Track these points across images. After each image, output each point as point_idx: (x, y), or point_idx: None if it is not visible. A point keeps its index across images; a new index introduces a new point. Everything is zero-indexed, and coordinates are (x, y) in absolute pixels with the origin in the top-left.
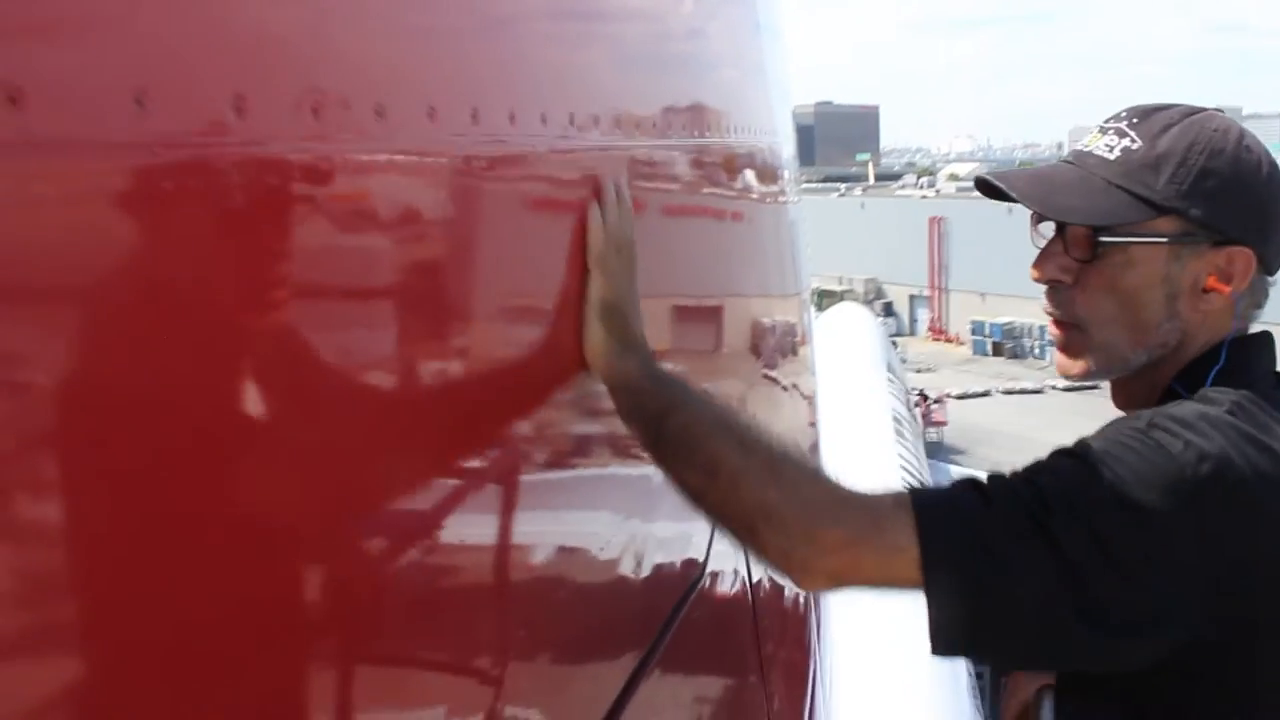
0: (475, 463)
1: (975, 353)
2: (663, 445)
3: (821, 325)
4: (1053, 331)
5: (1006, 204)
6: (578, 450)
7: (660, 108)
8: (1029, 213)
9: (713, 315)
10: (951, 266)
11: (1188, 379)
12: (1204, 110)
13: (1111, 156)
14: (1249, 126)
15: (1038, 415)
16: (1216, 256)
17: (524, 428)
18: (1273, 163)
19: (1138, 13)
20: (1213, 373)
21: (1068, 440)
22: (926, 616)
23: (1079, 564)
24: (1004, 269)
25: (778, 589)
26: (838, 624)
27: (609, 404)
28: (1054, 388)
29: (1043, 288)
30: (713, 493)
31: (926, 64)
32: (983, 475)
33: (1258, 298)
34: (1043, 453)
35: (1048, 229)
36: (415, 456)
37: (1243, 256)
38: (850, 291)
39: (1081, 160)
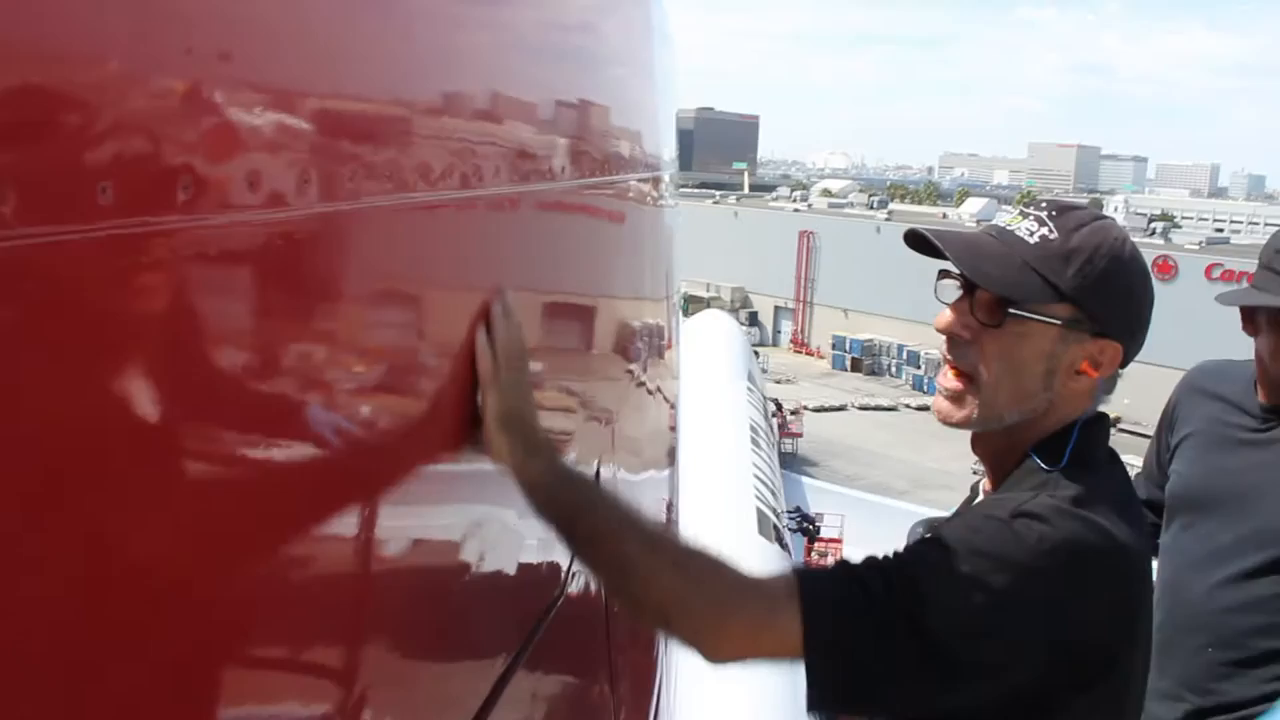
0: (344, 479)
1: (834, 367)
2: (576, 544)
3: (687, 330)
4: (948, 383)
5: (875, 225)
6: (455, 476)
7: (547, 101)
8: (899, 238)
9: (584, 314)
10: (818, 280)
11: (1045, 451)
12: (1107, 217)
13: (1031, 240)
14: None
15: (890, 431)
16: (1093, 346)
17: (400, 439)
18: (1148, 274)
19: (1015, 45)
20: (1068, 450)
21: (914, 456)
22: (807, 683)
23: (942, 638)
24: (868, 287)
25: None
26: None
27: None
28: (907, 406)
29: (904, 310)
30: (627, 588)
31: (810, 78)
32: (859, 559)
33: (1110, 385)
34: (892, 468)
35: (950, 287)
36: (281, 472)
37: (1113, 349)
38: (717, 299)
39: (1003, 237)
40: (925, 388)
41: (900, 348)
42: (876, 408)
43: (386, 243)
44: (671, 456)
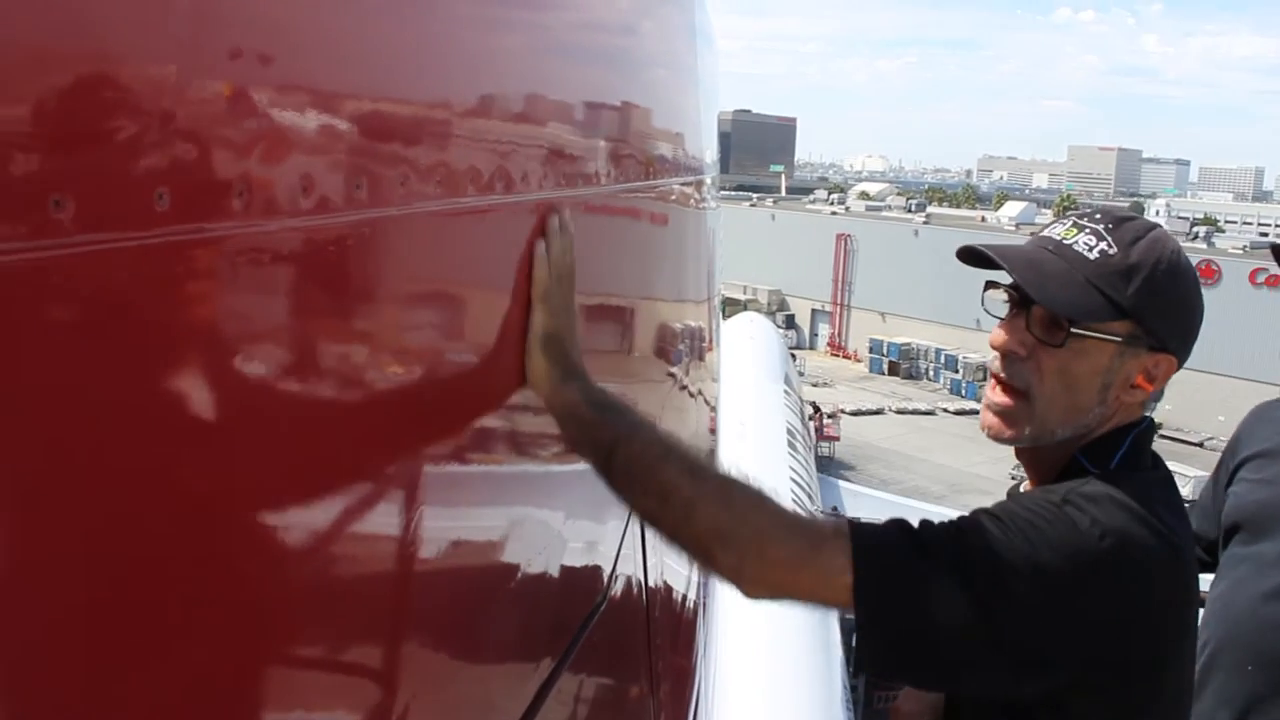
0: (389, 477)
1: (871, 370)
2: (615, 474)
3: (724, 332)
4: (999, 398)
5: (913, 228)
6: (498, 472)
7: (592, 104)
8: (937, 242)
9: (628, 316)
10: (855, 284)
11: (1094, 456)
12: (1159, 225)
13: (1091, 256)
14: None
15: (928, 436)
16: (1148, 360)
17: (445, 444)
18: (1199, 283)
19: (1053, 46)
20: (1117, 456)
21: (951, 460)
22: (856, 636)
23: (993, 609)
24: (906, 291)
25: (670, 607)
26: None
27: (531, 426)
28: (945, 410)
29: (941, 314)
30: (667, 518)
31: (846, 81)
32: (914, 519)
33: (1159, 393)
34: (928, 471)
35: (999, 299)
36: (324, 468)
37: (1167, 363)
38: (754, 301)
39: (1063, 252)
40: (963, 391)
41: (938, 351)
42: (914, 411)
43: (436, 249)
44: (711, 459)
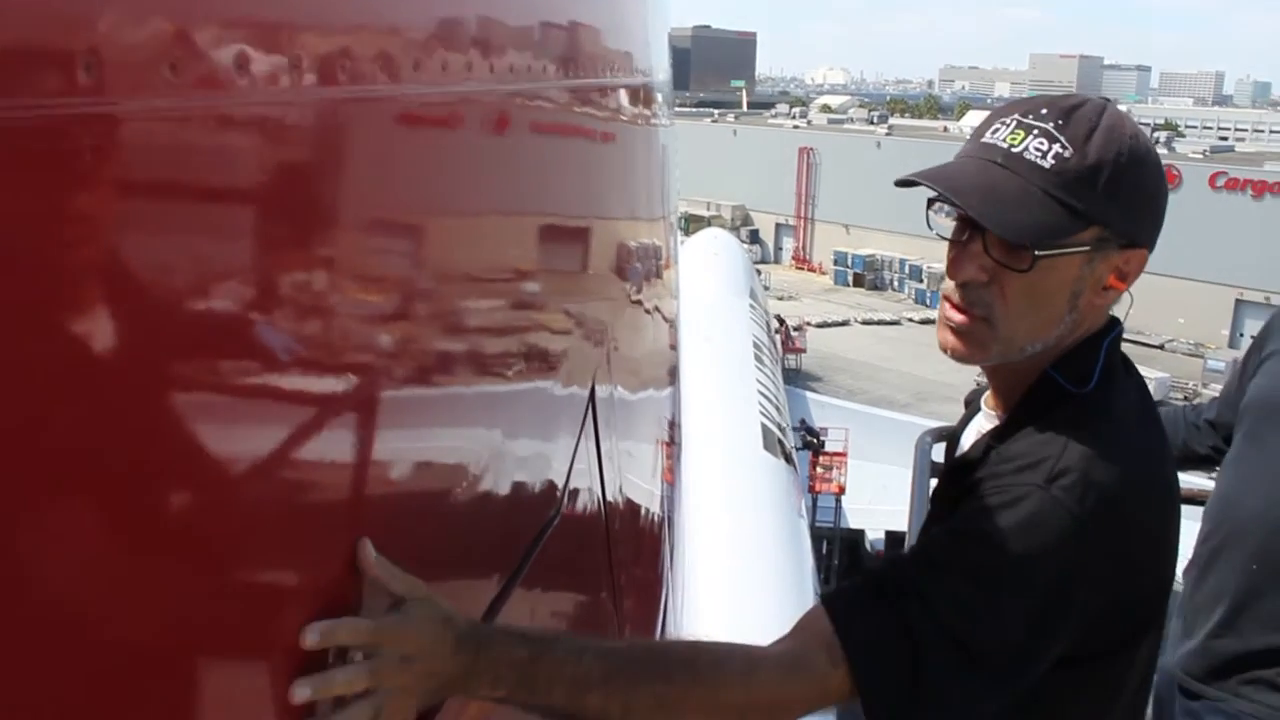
0: (338, 390)
1: (836, 283)
2: None
3: (688, 249)
4: (958, 318)
5: (875, 140)
6: (439, 386)
7: (533, 23)
8: (900, 153)
9: (579, 236)
10: (819, 197)
11: (1070, 372)
12: (1107, 102)
13: (1046, 165)
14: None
15: (893, 345)
16: (1119, 258)
17: (391, 360)
18: (1160, 164)
19: None
20: (1097, 370)
21: (916, 369)
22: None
23: (1001, 652)
24: (869, 202)
25: (631, 511)
26: (692, 548)
27: (470, 342)
28: (910, 320)
29: (905, 225)
30: None
31: None
32: (890, 575)
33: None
34: (895, 381)
35: (946, 218)
36: (276, 384)
37: (1139, 258)
38: (718, 217)
39: (1014, 165)
40: (928, 301)
41: (902, 262)
42: (879, 322)
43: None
44: (673, 375)
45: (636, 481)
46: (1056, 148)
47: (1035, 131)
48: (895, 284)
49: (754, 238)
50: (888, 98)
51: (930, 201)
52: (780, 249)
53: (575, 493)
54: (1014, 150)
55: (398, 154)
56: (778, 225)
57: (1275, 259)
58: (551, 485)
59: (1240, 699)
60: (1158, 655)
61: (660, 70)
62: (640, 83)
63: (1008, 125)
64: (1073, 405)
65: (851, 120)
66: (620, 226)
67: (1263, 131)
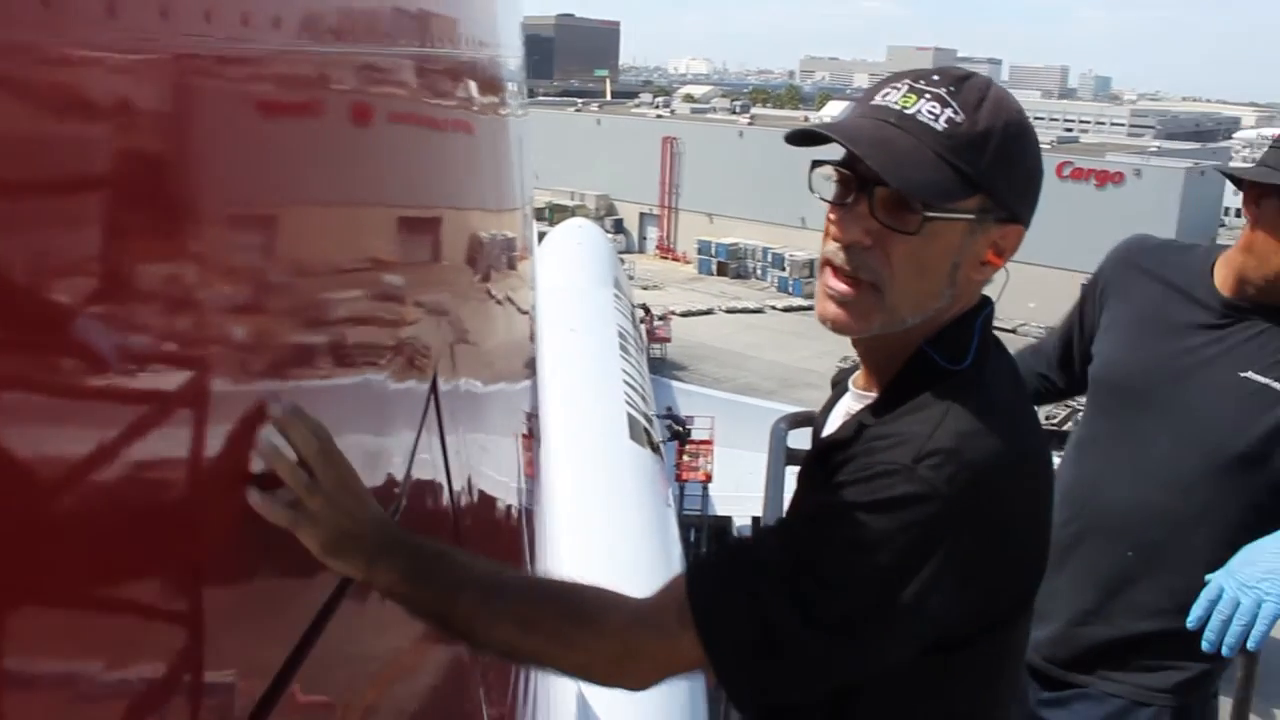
0: (149, 387)
1: (701, 271)
2: (453, 635)
3: (552, 240)
4: (841, 288)
5: (738, 129)
6: (269, 381)
7: (378, 8)
8: (762, 143)
9: (424, 227)
10: (682, 186)
11: (945, 350)
12: (992, 80)
13: (938, 127)
14: (962, 69)
15: (757, 333)
16: (998, 233)
17: (206, 354)
18: (1039, 143)
19: None
20: (972, 347)
21: (781, 356)
22: (730, 700)
23: (860, 620)
24: (732, 191)
25: (485, 506)
26: (558, 535)
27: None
28: (773, 308)
29: (768, 214)
30: (513, 659)
31: None
32: (752, 542)
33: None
34: (759, 368)
35: (830, 180)
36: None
37: (1016, 234)
38: (582, 207)
39: (907, 125)
40: (790, 289)
41: (765, 250)
42: (743, 310)
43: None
44: (531, 367)
45: (491, 475)
46: (949, 112)
47: (928, 96)
48: (759, 272)
49: (618, 227)
50: (750, 88)
51: (815, 164)
52: (645, 238)
53: (417, 488)
54: (907, 112)
55: (183, 122)
56: (642, 215)
57: (1116, 244)
58: (390, 481)
59: (1110, 682)
60: (1028, 635)
61: (510, 57)
62: (485, 69)
63: (899, 89)
64: (948, 383)
65: (714, 110)
66: (464, 217)
67: (1104, 124)
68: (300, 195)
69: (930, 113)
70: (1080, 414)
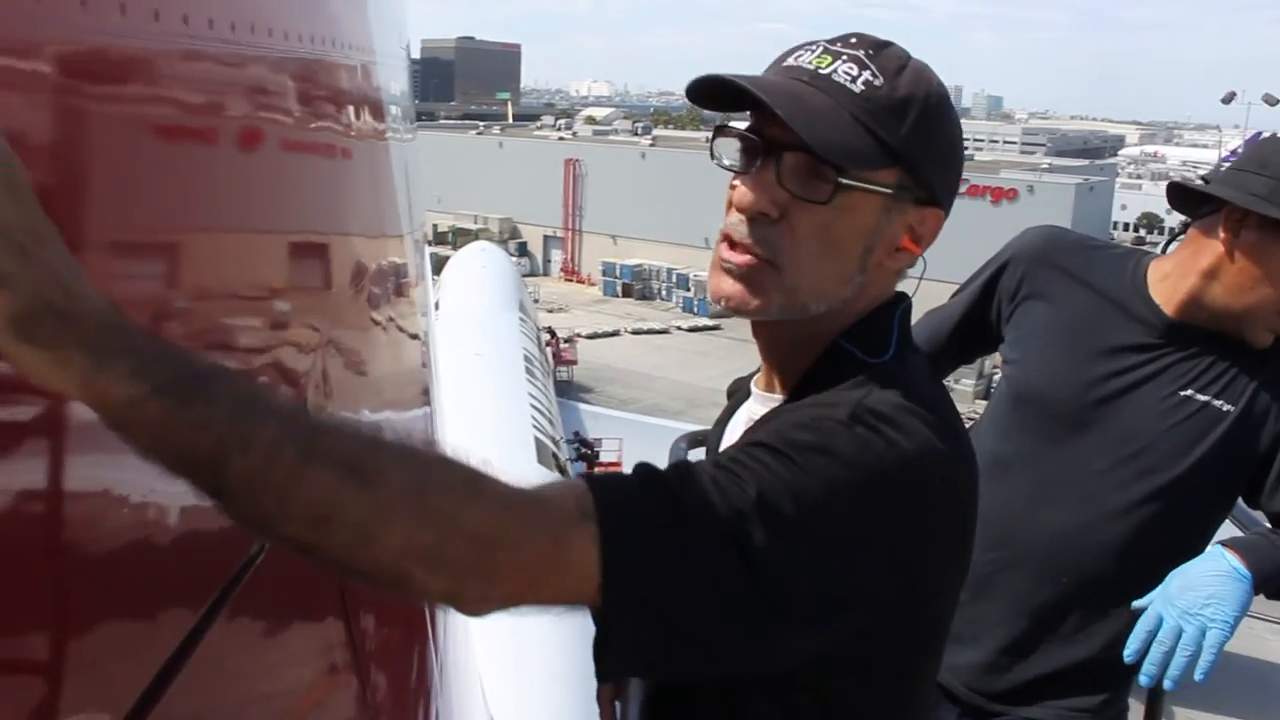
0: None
1: (605, 293)
2: (233, 500)
3: (456, 264)
4: (739, 260)
5: (640, 151)
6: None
7: (238, 25)
8: (664, 164)
9: (287, 253)
10: (586, 208)
11: (864, 343)
12: (908, 52)
13: (855, 89)
14: (881, 37)
15: (664, 354)
16: (915, 216)
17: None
18: (960, 125)
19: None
20: (894, 340)
21: (687, 377)
22: (600, 638)
23: (781, 572)
24: (636, 213)
25: None
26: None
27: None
28: (679, 328)
29: (671, 234)
30: (332, 546)
31: (569, 6)
32: (668, 469)
33: (916, 262)
34: (666, 389)
35: (734, 146)
36: None
37: (935, 218)
38: (485, 230)
39: (822, 85)
40: (695, 309)
41: (670, 271)
42: (649, 331)
43: None
44: (426, 395)
45: None
46: (867, 74)
47: (845, 57)
48: (663, 293)
49: (522, 250)
50: (651, 109)
51: (719, 129)
52: (549, 261)
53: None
54: (822, 72)
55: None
56: (546, 237)
57: (1026, 233)
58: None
59: (1038, 707)
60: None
61: (392, 80)
62: (360, 91)
63: (813, 51)
64: (868, 373)
65: (616, 132)
66: (335, 243)
67: (997, 142)
68: (143, 218)
69: (847, 73)
70: (983, 422)
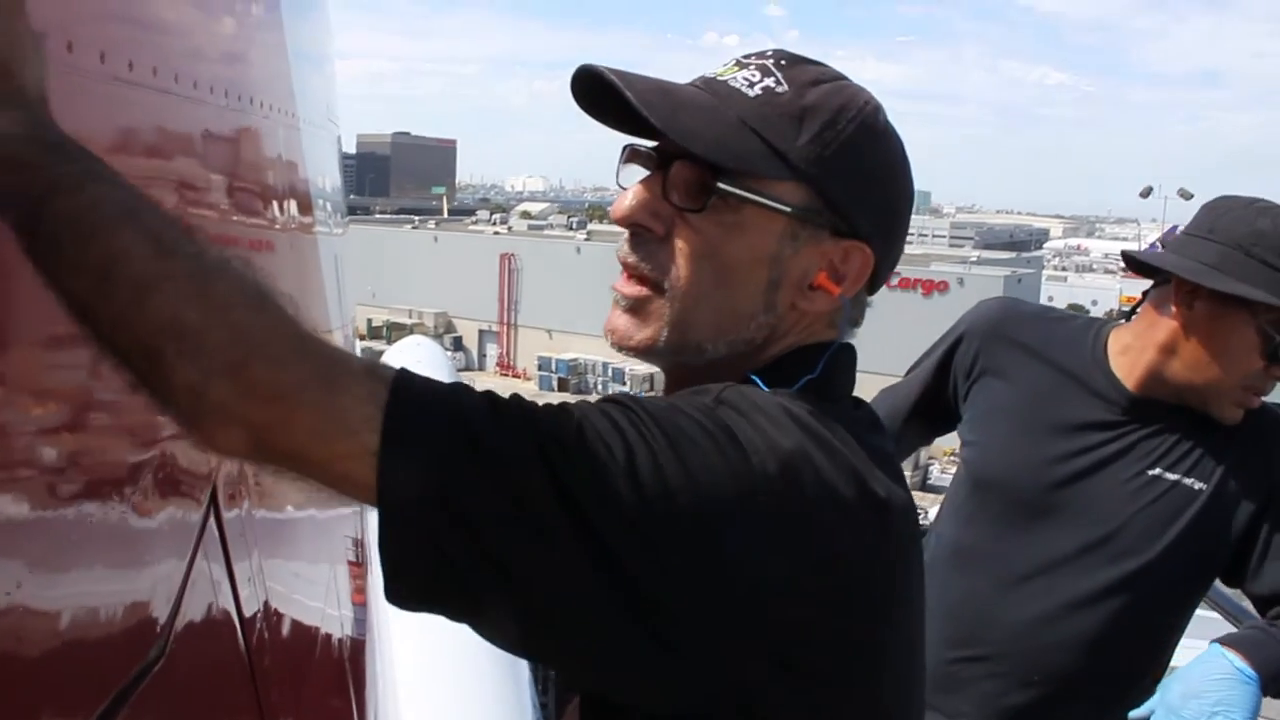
0: None
1: (541, 388)
2: (42, 236)
3: (391, 358)
4: (627, 290)
5: (575, 245)
6: None
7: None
8: (599, 258)
9: None
10: (521, 303)
11: (770, 377)
12: (850, 81)
13: (751, 93)
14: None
15: None
16: (834, 250)
17: None
18: (905, 156)
19: (701, 67)
20: (803, 380)
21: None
22: (379, 533)
23: (605, 525)
24: (571, 306)
25: (297, 639)
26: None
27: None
28: None
29: (601, 323)
30: (105, 302)
31: (505, 103)
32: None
33: (857, 314)
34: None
35: (636, 173)
36: None
37: (861, 255)
38: (420, 325)
39: (714, 89)
40: None
41: (605, 365)
42: None
43: None
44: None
45: (304, 603)
46: (769, 82)
47: (752, 67)
48: (599, 387)
49: (457, 344)
50: (586, 204)
51: (626, 149)
52: (484, 355)
53: (191, 626)
54: (719, 78)
55: None
56: (481, 331)
57: (982, 304)
58: (148, 621)
59: None
60: None
61: (322, 175)
62: (290, 186)
63: (727, 64)
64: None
65: (551, 226)
66: None
67: (926, 235)
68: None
69: (746, 79)
70: (944, 508)
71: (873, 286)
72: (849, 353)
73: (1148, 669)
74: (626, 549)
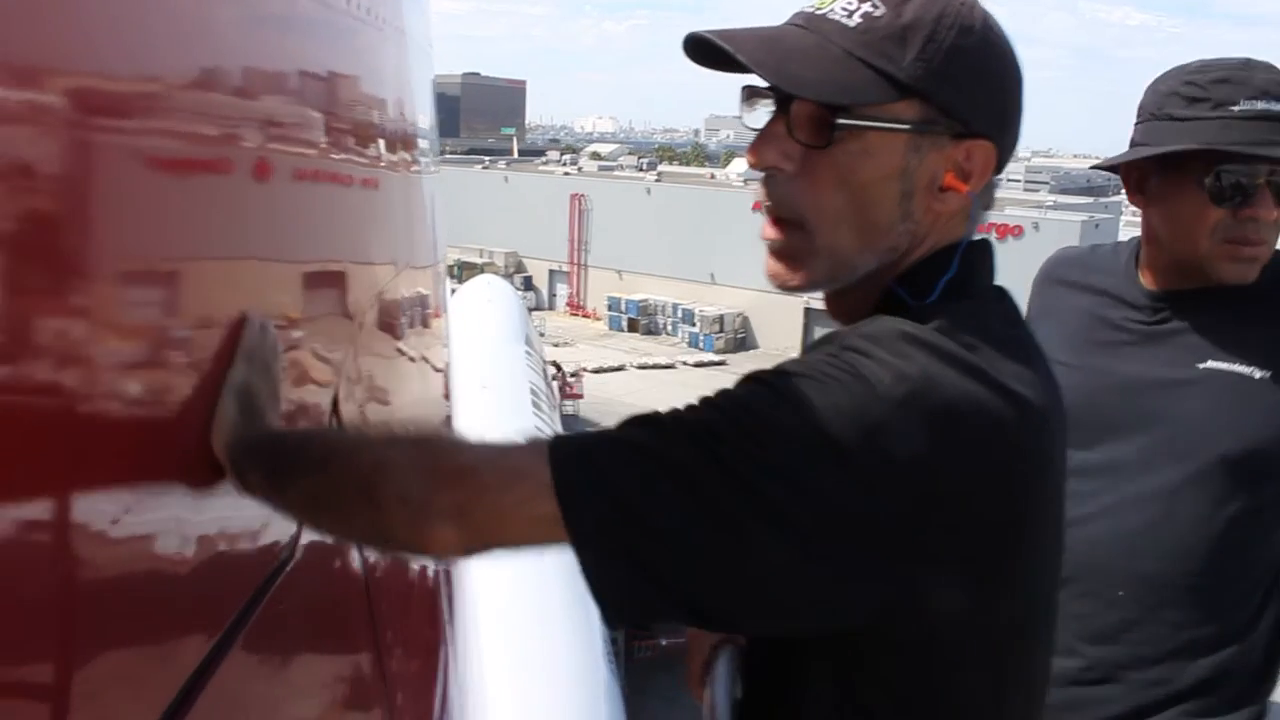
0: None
1: (611, 328)
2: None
3: (462, 297)
4: (769, 233)
5: (645, 186)
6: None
7: (288, 69)
8: (669, 199)
9: (338, 285)
10: (591, 243)
11: (911, 284)
12: None
13: (851, 23)
14: None
15: (669, 389)
16: (956, 151)
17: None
18: (1010, 46)
19: (777, 8)
20: (941, 281)
21: None
22: (580, 567)
23: (766, 499)
24: (641, 248)
25: (399, 563)
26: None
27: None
28: (684, 363)
29: (676, 269)
30: (324, 480)
31: (574, 44)
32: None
33: (988, 199)
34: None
35: (760, 112)
36: None
37: (983, 151)
38: (491, 264)
39: (815, 25)
40: (701, 344)
41: (675, 306)
42: (655, 366)
43: None
44: (447, 424)
45: None
46: (866, 7)
47: None
48: (669, 328)
49: (528, 284)
50: (656, 145)
51: (746, 90)
52: (555, 295)
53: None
54: (818, 12)
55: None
56: (551, 272)
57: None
58: (281, 528)
59: None
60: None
61: (422, 114)
62: (396, 126)
63: None
64: (903, 315)
65: (621, 167)
66: (372, 272)
67: (1001, 180)
68: (194, 251)
69: (844, 9)
70: None
71: (1001, 168)
72: (981, 247)
73: (1240, 575)
74: (799, 505)
